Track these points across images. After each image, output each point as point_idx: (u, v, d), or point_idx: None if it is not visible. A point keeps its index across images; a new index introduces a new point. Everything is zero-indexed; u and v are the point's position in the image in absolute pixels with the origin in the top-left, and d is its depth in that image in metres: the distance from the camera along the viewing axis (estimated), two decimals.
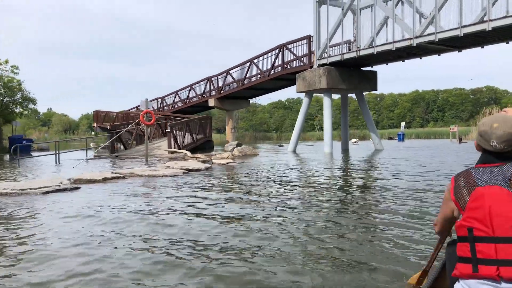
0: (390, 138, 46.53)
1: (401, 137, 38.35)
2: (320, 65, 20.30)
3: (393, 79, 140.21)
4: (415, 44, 16.16)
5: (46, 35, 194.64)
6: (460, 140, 30.32)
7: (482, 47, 16.84)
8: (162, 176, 9.40)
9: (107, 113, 41.19)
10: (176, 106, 34.96)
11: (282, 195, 6.75)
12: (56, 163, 15.11)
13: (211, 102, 29.83)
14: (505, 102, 76.31)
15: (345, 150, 21.89)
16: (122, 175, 9.03)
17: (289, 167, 12.05)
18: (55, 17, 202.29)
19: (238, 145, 23.06)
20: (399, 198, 6.29)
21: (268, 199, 6.37)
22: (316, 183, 8.36)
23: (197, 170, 10.88)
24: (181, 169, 10.63)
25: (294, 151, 21.56)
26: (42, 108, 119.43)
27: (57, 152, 15.55)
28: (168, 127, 19.29)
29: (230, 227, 4.59)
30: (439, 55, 18.36)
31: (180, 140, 21.51)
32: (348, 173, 10.28)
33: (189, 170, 10.68)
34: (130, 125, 20.26)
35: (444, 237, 2.03)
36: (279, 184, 8.17)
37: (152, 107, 39.54)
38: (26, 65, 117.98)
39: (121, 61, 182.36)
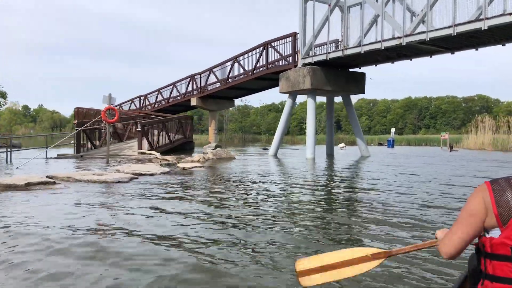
0: (380, 144, 45.44)
1: (391, 144, 37.21)
2: (305, 64, 19.04)
3: (382, 83, 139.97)
4: (404, 44, 14.94)
5: (43, 32, 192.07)
6: (451, 148, 29.21)
7: (477, 49, 15.69)
8: (102, 182, 8.02)
9: (87, 110, 39.66)
10: (158, 105, 33.57)
11: (221, 217, 5.15)
12: (6, 162, 13.67)
13: (193, 101, 28.44)
14: (496, 111, 75.83)
15: (330, 156, 20.64)
16: (52, 180, 7.64)
17: (261, 174, 10.74)
18: (51, 16, 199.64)
19: (217, 147, 21.76)
20: (374, 220, 5.00)
21: (197, 224, 5.04)
22: (280, 196, 7.04)
23: (151, 175, 9.53)
24: (132, 173, 9.28)
25: (275, 155, 20.26)
26: (33, 105, 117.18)
27: (9, 150, 14.10)
28: (139, 126, 17.85)
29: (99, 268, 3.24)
30: (431, 56, 17.18)
31: (154, 141, 20.13)
32: (324, 184, 8.99)
33: (140, 175, 9.33)
34: (90, 122, 18.81)
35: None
36: (231, 198, 6.84)
37: (135, 105, 38.20)
38: (16, 62, 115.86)
39: (119, 61, 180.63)
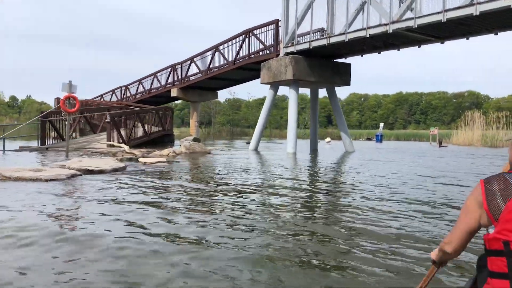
0: (369, 139, 44.59)
1: (379, 138, 36.35)
2: (287, 54, 17.95)
3: (372, 78, 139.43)
4: (391, 31, 13.91)
5: (33, 22, 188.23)
6: (440, 143, 28.40)
7: (468, 38, 14.70)
8: (35, 180, 6.91)
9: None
10: (140, 96, 32.29)
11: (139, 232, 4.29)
12: None
13: (174, 92, 27.24)
14: (486, 107, 75.67)
15: (314, 151, 19.63)
16: None
17: (232, 171, 9.69)
18: (40, 3, 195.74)
19: (196, 140, 20.65)
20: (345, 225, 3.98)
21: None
22: (244, 204, 6.00)
23: (99, 172, 8.41)
24: (77, 170, 8.16)
25: (255, 149, 19.21)
26: (21, 95, 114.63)
27: None
28: (108, 117, 16.65)
29: None
30: (419, 46, 16.18)
31: (126, 133, 18.95)
32: (301, 184, 7.95)
33: (87, 172, 8.21)
34: (47, 112, 17.61)
35: (445, 262, 1.86)
36: (176, 209, 5.77)
37: (116, 96, 36.85)
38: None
39: (114, 51, 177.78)
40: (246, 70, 21.86)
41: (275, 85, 19.03)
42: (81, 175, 7.87)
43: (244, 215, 4.77)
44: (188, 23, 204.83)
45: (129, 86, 34.15)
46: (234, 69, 21.94)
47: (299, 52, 17.67)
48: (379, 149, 22.74)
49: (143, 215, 4.69)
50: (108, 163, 9.37)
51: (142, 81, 31.89)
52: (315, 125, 20.89)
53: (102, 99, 39.60)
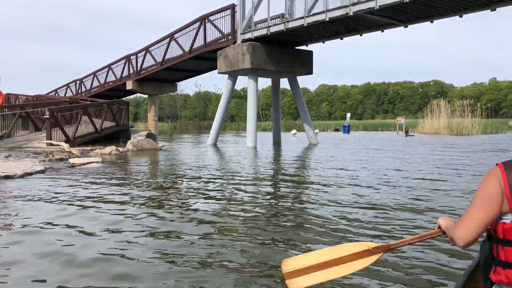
0: (336, 130, 44.06)
1: (346, 129, 35.73)
2: (244, 41, 16.75)
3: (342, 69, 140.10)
4: (351, 13, 12.91)
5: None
6: (407, 132, 27.93)
7: (432, 21, 13.89)
8: None
9: (17, 96, 35.82)
10: (94, 90, 30.36)
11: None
12: None
13: (129, 85, 25.55)
14: (450, 96, 76.93)
15: (277, 144, 18.58)
16: None
17: (180, 170, 8.46)
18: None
19: (149, 135, 19.22)
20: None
21: None
22: (185, 211, 4.77)
23: (5, 177, 7.00)
24: None
25: (214, 144, 17.99)
26: None
27: None
28: (47, 113, 15.00)
29: None
30: (382, 31, 15.29)
31: (71, 130, 17.33)
32: (260, 180, 6.79)
33: None
34: None
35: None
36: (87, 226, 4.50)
37: (71, 91, 34.72)
38: None
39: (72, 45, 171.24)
40: (204, 60, 20.51)
41: (233, 75, 17.80)
42: None
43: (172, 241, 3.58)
44: (153, 15, 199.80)
45: (83, 80, 32.11)
46: (191, 59, 20.55)
47: (257, 39, 16.51)
48: (344, 140, 21.89)
49: None
50: (24, 166, 7.95)
51: (97, 73, 29.96)
52: (278, 117, 19.79)
53: (56, 94, 37.36)
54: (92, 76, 30.48)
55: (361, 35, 15.94)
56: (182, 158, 11.62)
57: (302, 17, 14.41)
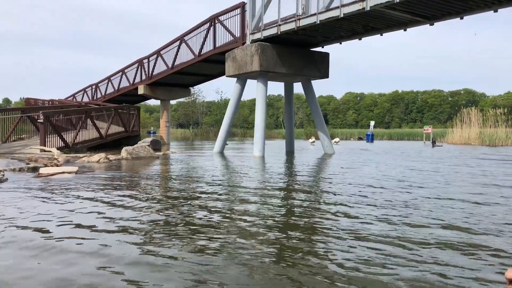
0: (360, 139, 42.20)
1: (370, 138, 33.89)
2: (254, 41, 15.50)
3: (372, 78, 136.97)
4: (368, 8, 11.45)
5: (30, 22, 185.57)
6: (434, 142, 25.97)
7: (462, 17, 12.26)
8: None
9: (35, 100, 35.78)
10: (108, 95, 29.78)
11: None
12: None
13: (141, 90, 24.72)
14: (482, 105, 73.62)
15: (290, 153, 17.17)
16: None
17: (169, 184, 7.24)
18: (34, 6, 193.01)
19: (154, 142, 18.19)
20: None
21: None
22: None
23: None
24: None
25: (221, 152, 16.75)
26: (14, 97, 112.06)
27: None
28: (41, 116, 14.11)
29: None
30: (405, 30, 13.72)
31: (71, 135, 16.46)
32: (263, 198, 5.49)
33: None
34: None
35: None
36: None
37: (88, 96, 34.34)
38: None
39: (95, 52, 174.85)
40: (215, 63, 19.39)
41: (242, 78, 16.55)
42: None
43: None
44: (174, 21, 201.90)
45: (99, 85, 31.63)
46: (202, 62, 19.47)
47: (268, 40, 15.23)
48: (365, 150, 20.23)
49: None
50: None
51: (111, 78, 29.37)
52: (291, 124, 18.38)
53: (74, 99, 37.15)
54: (106, 80, 29.92)
55: (381, 35, 14.41)
56: (176, 167, 10.41)
57: (315, 14, 13.04)
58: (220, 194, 6.01)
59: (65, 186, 6.81)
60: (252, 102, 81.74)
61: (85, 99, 34.04)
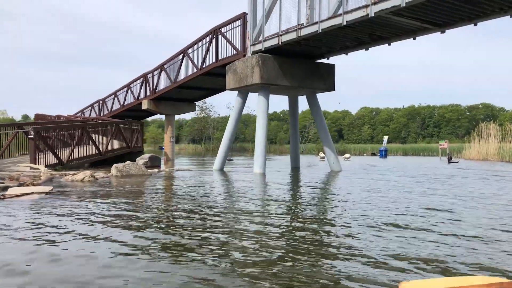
0: (373, 154, 40.96)
1: (383, 153, 32.70)
2: (255, 53, 14.79)
3: (386, 92, 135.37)
4: (373, 14, 10.63)
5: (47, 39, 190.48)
6: (450, 158, 24.71)
7: (475, 24, 11.33)
8: None
9: (45, 116, 35.68)
10: (115, 111, 29.39)
11: None
12: None
13: (145, 105, 24.21)
14: (501, 119, 71.67)
15: (295, 169, 16.27)
16: None
17: (137, 209, 6.46)
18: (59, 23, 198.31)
19: (152, 158, 17.56)
20: None
21: None
22: None
23: None
24: None
25: (221, 169, 15.94)
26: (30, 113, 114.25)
27: None
28: (31, 132, 13.53)
29: None
30: (414, 39, 12.84)
31: (66, 152, 15.87)
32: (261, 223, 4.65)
33: None
34: None
35: None
36: None
37: (95, 111, 34.11)
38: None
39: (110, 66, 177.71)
40: (216, 76, 18.73)
41: (243, 92, 15.82)
42: None
43: None
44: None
45: (106, 100, 31.33)
46: (204, 76, 18.85)
47: (269, 51, 14.52)
48: (375, 167, 19.16)
49: None
50: None
51: (117, 93, 29.01)
52: (296, 139, 17.51)
53: (82, 115, 37.00)
54: (113, 96, 29.57)
55: (389, 44, 13.56)
56: (168, 187, 9.62)
57: (317, 23, 12.27)
58: (191, 219, 5.16)
59: (15, 210, 6.05)
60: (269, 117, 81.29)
61: (93, 115, 33.82)
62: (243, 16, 15.58)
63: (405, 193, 8.37)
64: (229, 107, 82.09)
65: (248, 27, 15.13)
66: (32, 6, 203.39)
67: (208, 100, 67.84)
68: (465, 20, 11.21)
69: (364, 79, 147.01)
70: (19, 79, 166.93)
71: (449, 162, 23.22)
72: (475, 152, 27.51)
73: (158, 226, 4.87)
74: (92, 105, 34.21)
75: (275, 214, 5.77)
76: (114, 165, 12.19)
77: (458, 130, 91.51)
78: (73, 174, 10.78)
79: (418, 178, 12.75)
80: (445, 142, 30.36)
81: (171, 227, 4.80)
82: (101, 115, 31.88)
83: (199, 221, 5.15)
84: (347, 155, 28.22)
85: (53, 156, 14.71)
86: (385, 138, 36.14)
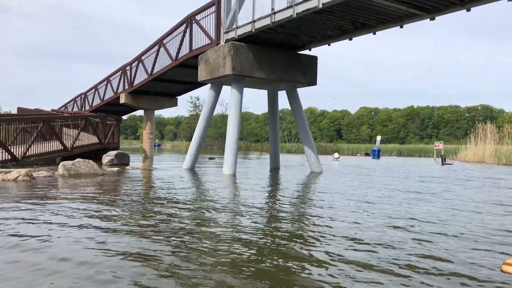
0: (367, 154, 39.60)
1: (376, 154, 31.40)
2: (228, 41, 13.47)
3: (383, 91, 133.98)
4: None
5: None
6: (444, 160, 23.41)
7: (468, 9, 10.00)
8: None
9: (29, 110, 34.32)
10: (95, 105, 28.05)
11: None
12: None
13: (122, 99, 22.86)
14: (500, 121, 70.38)
15: (275, 170, 14.96)
16: None
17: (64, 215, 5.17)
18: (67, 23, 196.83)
19: (118, 156, 16.26)
20: None
21: None
22: None
23: None
24: None
25: (192, 168, 14.62)
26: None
27: None
28: None
29: None
30: (401, 27, 11.49)
31: (24, 147, 14.55)
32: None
33: None
34: None
35: None
36: None
37: (77, 105, 32.78)
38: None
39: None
40: (192, 68, 17.37)
41: (216, 84, 14.49)
42: None
43: None
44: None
45: (87, 94, 29.98)
46: (180, 67, 17.54)
47: (243, 39, 13.19)
48: (365, 169, 17.80)
49: None
50: None
51: (98, 87, 27.66)
52: (275, 137, 16.15)
53: (66, 109, 35.65)
54: (94, 89, 28.23)
55: (374, 33, 12.21)
56: (104, 190, 8.32)
57: (291, 6, 10.94)
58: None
59: None
60: (266, 116, 79.57)
61: (75, 109, 32.48)
62: (217, 2, 14.24)
63: (366, 204, 7.06)
64: (222, 103, 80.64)
65: (222, 14, 13.80)
66: None
67: (202, 96, 66.44)
68: (456, 5, 9.89)
69: (364, 79, 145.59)
70: (17, 75, 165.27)
71: (443, 164, 21.93)
72: (471, 153, 26.22)
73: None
74: (74, 99, 32.87)
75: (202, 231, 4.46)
76: (61, 163, 10.87)
77: (457, 132, 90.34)
78: (6, 173, 9.45)
79: (397, 182, 11.44)
80: (440, 143, 29.05)
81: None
82: (83, 109, 30.56)
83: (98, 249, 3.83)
84: (336, 155, 26.88)
85: (4, 151, 13.40)
86: (378, 138, 34.79)
